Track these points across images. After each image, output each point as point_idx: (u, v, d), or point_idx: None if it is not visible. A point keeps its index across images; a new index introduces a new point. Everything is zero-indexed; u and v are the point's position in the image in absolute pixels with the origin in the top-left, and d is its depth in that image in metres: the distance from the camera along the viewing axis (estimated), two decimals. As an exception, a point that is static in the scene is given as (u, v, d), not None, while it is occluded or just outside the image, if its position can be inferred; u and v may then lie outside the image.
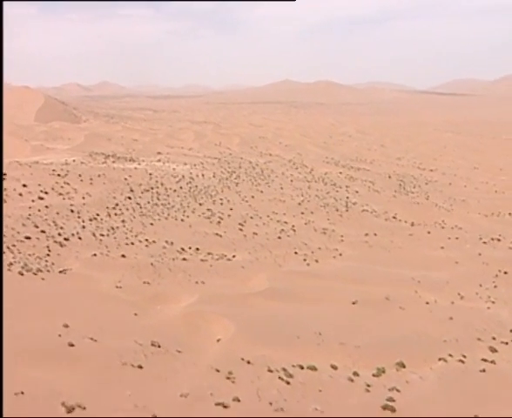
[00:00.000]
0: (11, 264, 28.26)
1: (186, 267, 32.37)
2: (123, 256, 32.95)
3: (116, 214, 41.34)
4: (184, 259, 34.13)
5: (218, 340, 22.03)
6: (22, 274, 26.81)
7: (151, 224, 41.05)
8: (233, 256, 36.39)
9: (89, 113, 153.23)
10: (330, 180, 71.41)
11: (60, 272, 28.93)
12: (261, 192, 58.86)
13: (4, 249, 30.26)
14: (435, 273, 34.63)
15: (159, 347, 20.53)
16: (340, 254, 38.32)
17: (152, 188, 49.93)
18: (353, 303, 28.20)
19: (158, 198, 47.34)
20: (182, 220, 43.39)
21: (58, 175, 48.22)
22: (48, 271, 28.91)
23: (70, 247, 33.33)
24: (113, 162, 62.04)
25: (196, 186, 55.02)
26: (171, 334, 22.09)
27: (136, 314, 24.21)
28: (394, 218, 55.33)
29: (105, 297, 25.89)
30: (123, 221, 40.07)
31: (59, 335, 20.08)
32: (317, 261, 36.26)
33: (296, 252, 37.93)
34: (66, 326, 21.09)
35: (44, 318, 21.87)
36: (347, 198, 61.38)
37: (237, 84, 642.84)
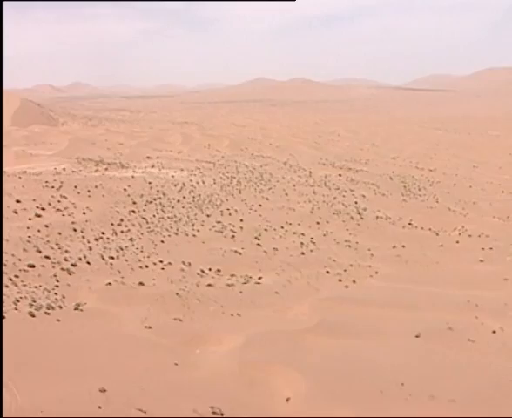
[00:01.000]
0: (18, 301, 24.02)
1: (215, 296, 28.39)
2: (141, 284, 28.84)
3: (122, 232, 37.15)
4: (209, 284, 30.13)
5: (287, 400, 18.13)
6: (33, 315, 22.59)
7: (162, 241, 36.97)
8: (260, 278, 32.52)
9: (66, 115, 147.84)
10: (332, 184, 67.82)
11: (75, 308, 24.72)
12: (267, 199, 55.06)
13: (7, 281, 25.99)
14: (488, 293, 31.08)
15: (222, 415, 16.58)
16: (376, 272, 34.63)
17: (155, 199, 45.75)
18: (417, 336, 24.50)
19: (164, 211, 43.22)
20: (194, 236, 39.39)
21: (52, 187, 43.78)
22: (60, 307, 24.72)
23: (79, 275, 29.14)
24: (106, 169, 57.66)
25: (199, 195, 51.00)
26: (228, 394, 18.16)
27: (176, 364, 20.20)
28: (410, 224, 52.01)
29: (136, 342, 21.78)
30: (131, 239, 35.92)
31: (100, 407, 16.03)
32: (354, 282, 32.52)
33: (328, 272, 34.17)
34: (103, 390, 17.03)
35: (73, 379, 17.76)
36: (356, 203, 57.87)
37: (210, 83, 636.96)
